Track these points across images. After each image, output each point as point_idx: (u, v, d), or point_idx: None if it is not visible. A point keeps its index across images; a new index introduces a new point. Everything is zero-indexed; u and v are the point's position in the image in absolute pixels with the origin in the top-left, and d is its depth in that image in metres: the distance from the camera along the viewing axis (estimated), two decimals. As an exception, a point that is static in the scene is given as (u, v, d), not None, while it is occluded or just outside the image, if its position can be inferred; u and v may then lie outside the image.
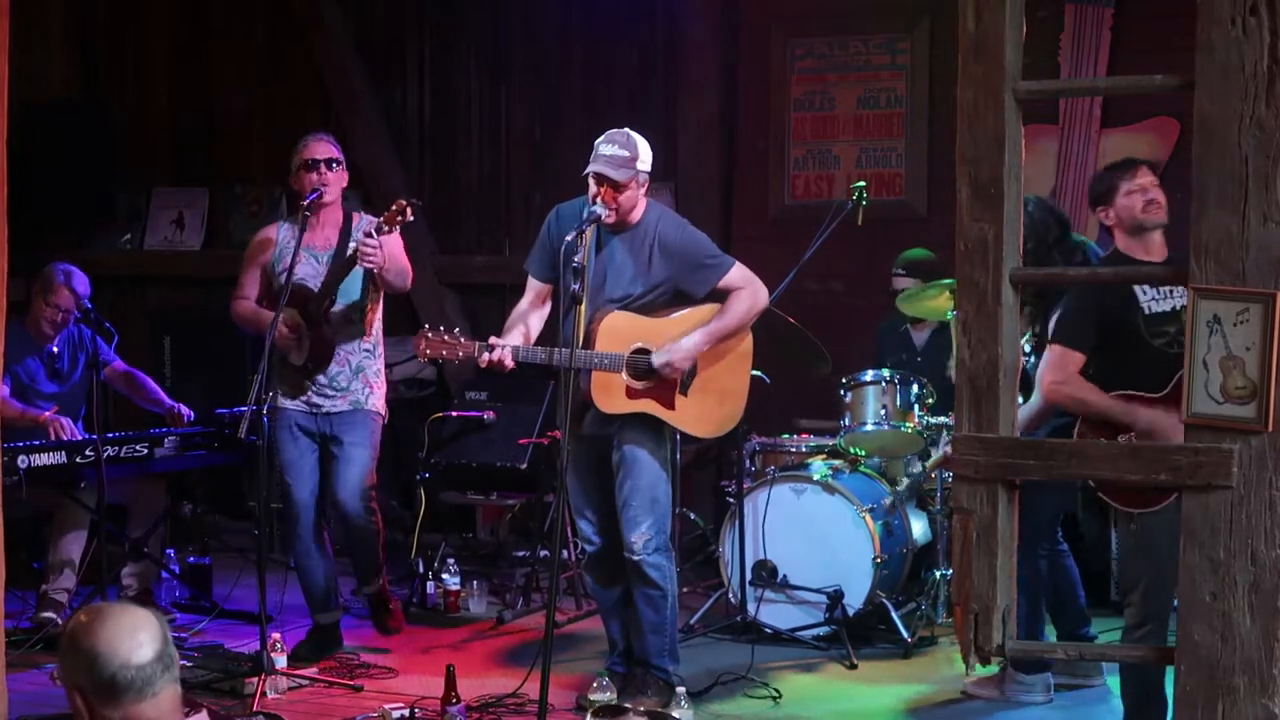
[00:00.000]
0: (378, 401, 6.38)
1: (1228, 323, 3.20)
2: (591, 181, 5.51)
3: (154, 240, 9.85)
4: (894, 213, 8.07)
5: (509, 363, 5.51)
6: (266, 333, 5.91)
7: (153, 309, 9.79)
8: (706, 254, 5.64)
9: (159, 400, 7.16)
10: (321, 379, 6.26)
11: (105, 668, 2.71)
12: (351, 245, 6.12)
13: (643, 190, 5.59)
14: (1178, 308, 4.79)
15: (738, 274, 5.62)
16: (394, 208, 5.97)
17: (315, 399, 6.28)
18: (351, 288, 6.22)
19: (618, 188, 5.48)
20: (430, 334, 5.59)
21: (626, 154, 5.49)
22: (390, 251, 6.10)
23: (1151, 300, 4.91)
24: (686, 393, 5.64)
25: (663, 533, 5.66)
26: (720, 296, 5.61)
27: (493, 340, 5.55)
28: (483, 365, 5.55)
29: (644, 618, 5.70)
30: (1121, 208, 5.02)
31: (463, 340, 5.58)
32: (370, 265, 6.02)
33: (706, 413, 5.71)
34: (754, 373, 5.88)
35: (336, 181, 6.30)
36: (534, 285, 5.78)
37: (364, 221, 6.32)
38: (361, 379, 6.30)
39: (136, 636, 2.75)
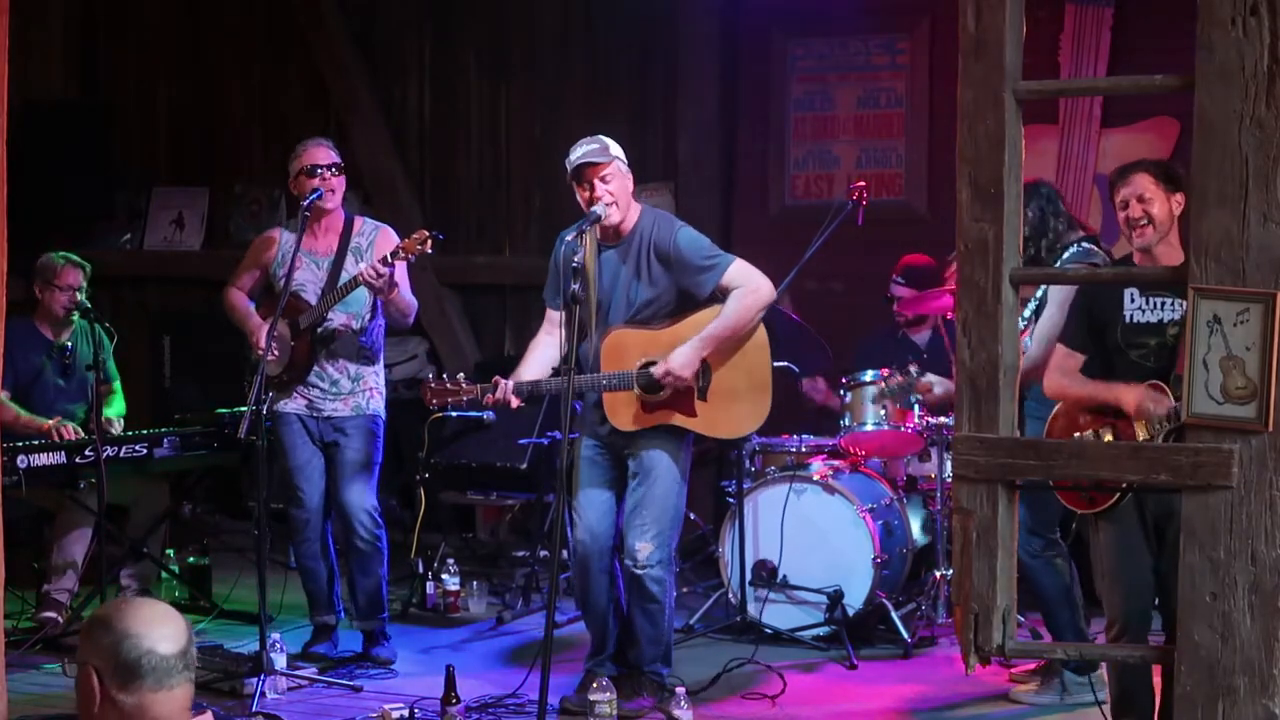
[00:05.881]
0: (379, 406, 6.30)
1: (1228, 323, 3.20)
2: (578, 191, 5.55)
3: (154, 240, 9.85)
4: (894, 213, 8.06)
5: (514, 401, 5.60)
6: (253, 338, 6.09)
7: (152, 309, 9.78)
8: (704, 254, 5.57)
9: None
10: (321, 384, 6.19)
11: (133, 650, 2.75)
12: (360, 266, 6.08)
13: (629, 183, 5.60)
14: (1165, 320, 4.65)
15: (737, 271, 5.55)
16: (414, 236, 5.93)
17: (317, 402, 6.22)
18: (353, 299, 6.13)
19: (604, 178, 5.49)
20: (434, 384, 5.77)
21: (597, 145, 5.56)
22: (398, 281, 6.04)
23: (1137, 310, 4.76)
24: (706, 397, 5.57)
25: (667, 546, 5.62)
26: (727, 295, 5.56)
27: (496, 380, 5.61)
28: (487, 405, 5.68)
29: (640, 630, 5.68)
30: (1120, 219, 4.86)
31: (465, 384, 5.70)
32: (371, 286, 5.96)
33: (731, 413, 5.63)
34: (779, 364, 5.84)
35: (338, 186, 6.21)
36: (551, 315, 5.80)
37: (367, 226, 6.30)
38: (362, 384, 6.23)
39: (166, 628, 2.80)
